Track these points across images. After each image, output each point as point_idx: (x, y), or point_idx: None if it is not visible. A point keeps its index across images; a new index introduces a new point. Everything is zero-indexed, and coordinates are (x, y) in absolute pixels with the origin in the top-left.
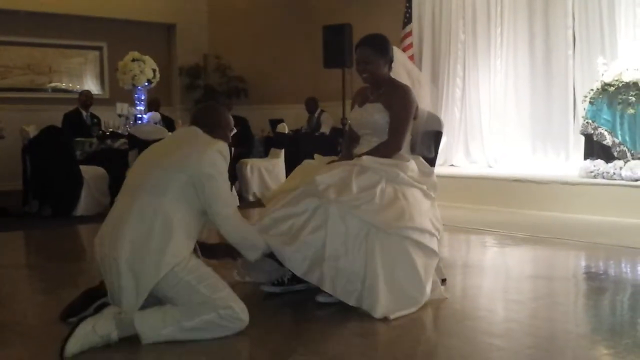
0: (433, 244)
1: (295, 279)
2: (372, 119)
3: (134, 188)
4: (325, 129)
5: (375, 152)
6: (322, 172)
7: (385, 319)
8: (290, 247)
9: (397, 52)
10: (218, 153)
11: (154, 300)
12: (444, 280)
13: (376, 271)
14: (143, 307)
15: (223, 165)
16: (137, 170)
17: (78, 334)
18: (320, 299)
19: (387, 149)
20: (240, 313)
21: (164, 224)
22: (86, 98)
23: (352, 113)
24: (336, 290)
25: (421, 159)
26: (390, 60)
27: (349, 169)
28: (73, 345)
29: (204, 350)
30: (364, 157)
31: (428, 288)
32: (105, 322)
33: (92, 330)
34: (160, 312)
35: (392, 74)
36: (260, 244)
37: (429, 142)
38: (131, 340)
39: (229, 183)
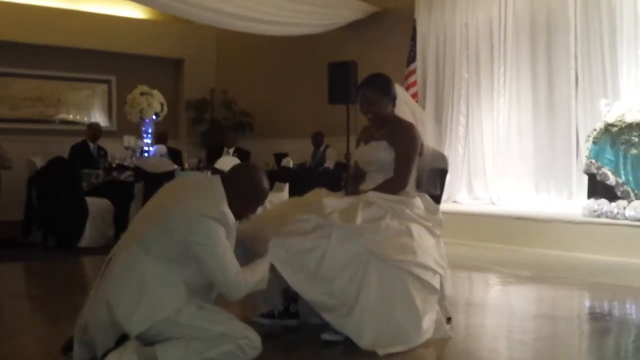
0: (435, 281)
1: (286, 313)
2: (377, 156)
3: (131, 233)
4: (329, 164)
5: (381, 188)
6: (331, 198)
7: (375, 354)
8: (290, 266)
9: (399, 89)
10: (213, 221)
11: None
12: (449, 319)
13: (369, 299)
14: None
15: (218, 231)
16: (142, 214)
17: None
18: (326, 336)
19: (393, 186)
20: (256, 341)
21: (139, 282)
22: (95, 131)
23: (357, 150)
24: (326, 311)
25: (427, 196)
26: (393, 99)
27: (355, 201)
28: None
29: None
30: (370, 193)
31: (425, 325)
32: (129, 355)
33: None
34: (182, 344)
35: (396, 112)
36: (262, 280)
37: (435, 180)
38: None
39: (227, 246)
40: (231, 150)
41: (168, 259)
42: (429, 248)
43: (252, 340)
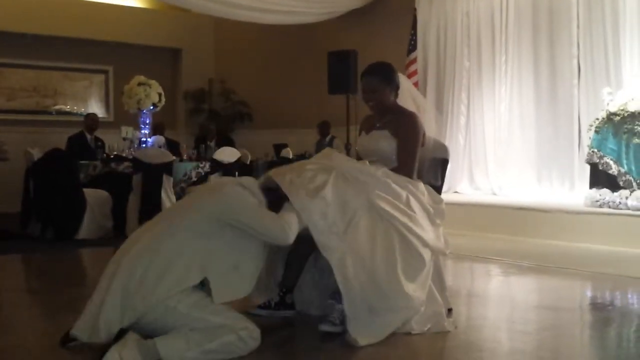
0: (425, 253)
1: (282, 304)
2: (377, 146)
3: (156, 221)
4: None
5: None
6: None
7: (374, 345)
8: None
9: (402, 78)
10: (237, 186)
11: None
12: (450, 310)
13: (356, 239)
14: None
15: (244, 192)
16: (166, 212)
17: None
18: (324, 327)
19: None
20: (255, 332)
21: (167, 254)
22: (92, 122)
23: (359, 140)
24: (317, 230)
25: (430, 188)
26: (396, 88)
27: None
28: None
29: None
30: (377, 164)
31: (408, 291)
32: (130, 350)
33: (119, 359)
34: (182, 336)
35: (398, 101)
36: (298, 220)
37: (436, 170)
38: None
39: (256, 202)
40: (212, 144)
41: (198, 231)
42: (424, 225)
43: (252, 330)
